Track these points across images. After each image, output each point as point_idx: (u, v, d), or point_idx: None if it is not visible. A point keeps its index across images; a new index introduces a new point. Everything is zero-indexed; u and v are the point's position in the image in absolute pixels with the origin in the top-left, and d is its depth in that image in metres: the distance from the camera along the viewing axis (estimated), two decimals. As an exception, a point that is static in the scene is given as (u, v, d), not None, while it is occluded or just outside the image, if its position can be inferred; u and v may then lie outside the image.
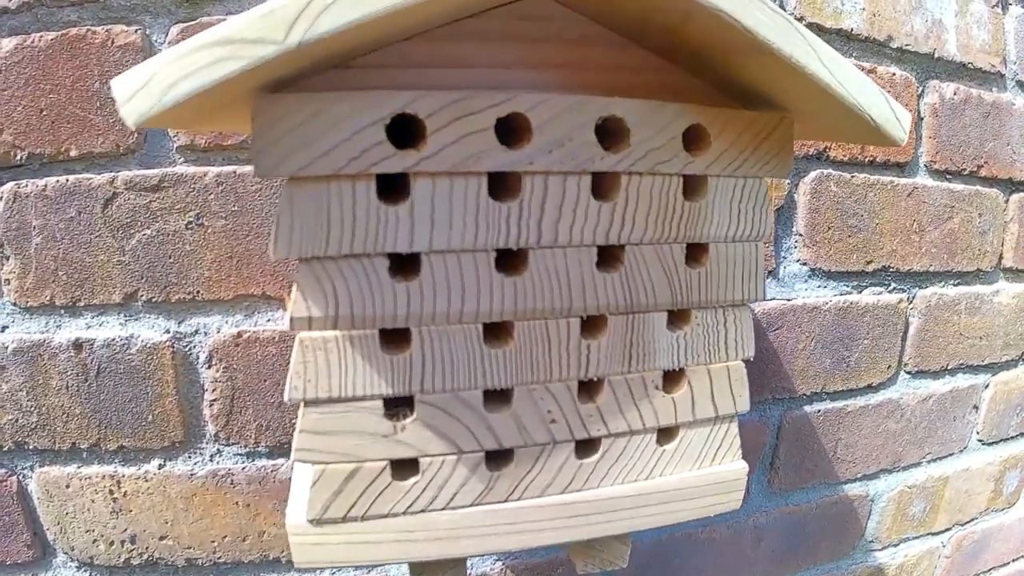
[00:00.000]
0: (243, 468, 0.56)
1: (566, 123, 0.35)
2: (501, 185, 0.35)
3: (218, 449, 0.56)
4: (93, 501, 0.56)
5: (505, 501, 0.39)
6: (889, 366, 0.74)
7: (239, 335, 0.54)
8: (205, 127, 0.46)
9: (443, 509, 0.38)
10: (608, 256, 0.38)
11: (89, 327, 0.54)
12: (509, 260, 0.36)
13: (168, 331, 0.54)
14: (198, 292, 0.53)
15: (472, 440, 0.37)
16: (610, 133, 0.36)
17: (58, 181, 0.53)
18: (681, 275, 0.39)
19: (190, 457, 0.56)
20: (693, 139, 0.38)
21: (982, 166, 0.76)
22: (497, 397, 0.38)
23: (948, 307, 0.76)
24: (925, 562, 0.83)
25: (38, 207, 0.54)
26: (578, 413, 0.39)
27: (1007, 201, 0.78)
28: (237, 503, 0.57)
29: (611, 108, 0.36)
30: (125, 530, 0.56)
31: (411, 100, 0.33)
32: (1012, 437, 0.86)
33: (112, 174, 0.53)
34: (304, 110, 0.32)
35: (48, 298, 0.54)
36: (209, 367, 0.54)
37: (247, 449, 0.56)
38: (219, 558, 0.57)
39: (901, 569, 0.81)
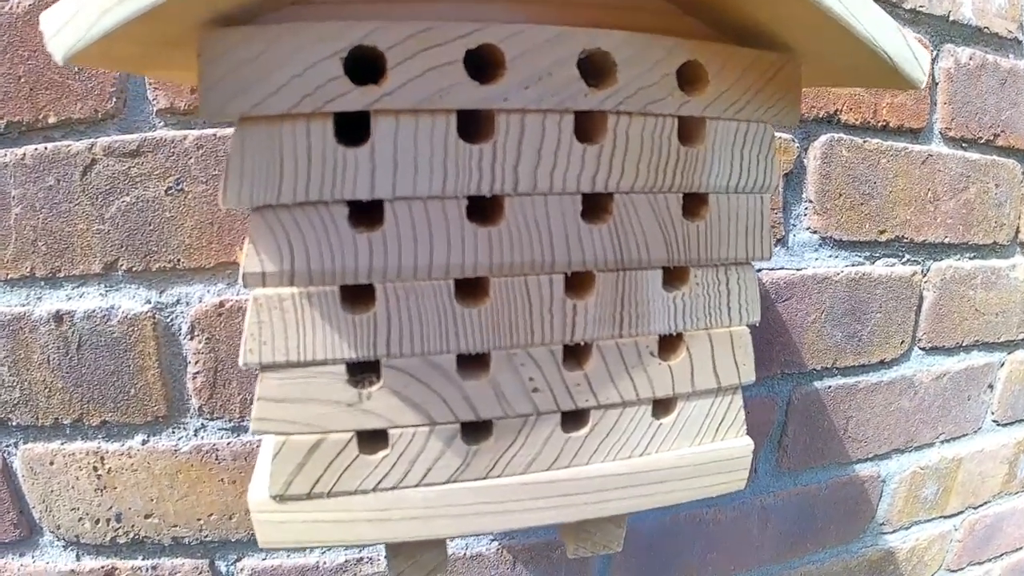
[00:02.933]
0: (228, 443, 0.52)
1: (545, 56, 0.30)
2: (473, 125, 0.30)
3: (202, 423, 0.51)
4: (77, 478, 0.52)
5: (485, 478, 0.34)
6: (902, 341, 0.68)
7: (221, 304, 0.50)
8: (160, 71, 0.42)
9: (416, 486, 0.33)
10: (595, 206, 0.33)
11: (70, 298, 0.50)
12: (483, 209, 0.31)
13: (149, 301, 0.49)
14: (179, 260, 0.49)
15: (445, 410, 0.32)
16: (595, 69, 0.31)
17: (36, 149, 0.49)
18: (677, 229, 0.34)
19: (174, 432, 0.51)
20: (689, 77, 0.33)
21: (999, 135, 0.69)
22: (472, 362, 0.33)
23: (964, 281, 0.70)
24: (936, 546, 0.77)
25: (17, 176, 0.49)
26: (563, 382, 0.33)
27: (1025, 172, 0.72)
28: (223, 479, 0.52)
29: (596, 41, 0.30)
30: (110, 508, 0.52)
31: (370, 31, 0.28)
32: (1028, 418, 0.79)
33: (91, 140, 0.49)
34: (253, 43, 0.27)
35: (28, 270, 0.50)
36: (191, 338, 0.50)
37: (232, 423, 0.51)
38: (206, 536, 0.53)
39: (912, 553, 0.75)
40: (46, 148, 0.49)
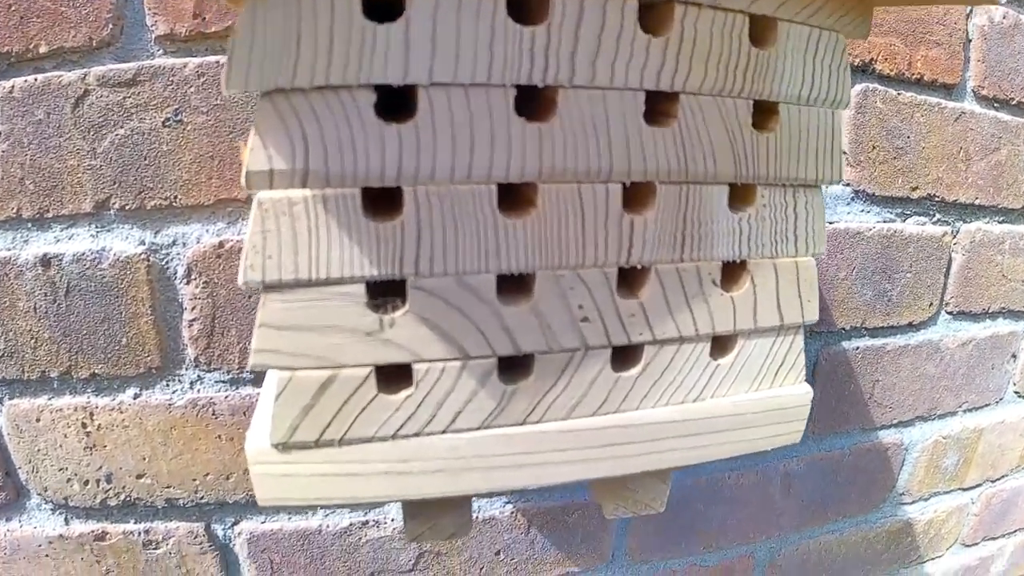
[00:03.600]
0: (226, 397, 0.46)
1: (607, -77, 0.24)
2: (525, 5, 0.24)
3: (198, 376, 0.45)
4: (65, 436, 0.46)
5: (522, 424, 0.28)
6: (931, 304, 0.62)
7: (220, 245, 0.43)
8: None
9: (443, 432, 0.27)
10: (659, 107, 0.27)
11: (58, 240, 0.44)
12: (533, 102, 0.25)
13: (143, 242, 0.43)
14: (175, 197, 0.43)
15: (481, 342, 0.26)
16: (663, -55, 0.25)
17: (26, 81, 0.43)
18: (746, 139, 0.28)
19: (168, 385, 0.45)
20: (766, -38, 0.27)
21: None
22: (514, 285, 0.27)
23: (992, 245, 0.65)
24: (954, 519, 0.72)
25: (5, 111, 0.43)
26: (616, 311, 0.28)
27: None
28: (220, 436, 0.46)
29: (665, -90, 0.25)
30: (100, 468, 0.46)
31: None
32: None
33: (84, 70, 0.42)
34: None
35: (15, 210, 0.43)
36: (188, 282, 0.44)
37: (230, 375, 0.45)
38: (202, 498, 0.47)
39: (930, 525, 0.70)
40: (36, 80, 0.42)
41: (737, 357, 0.30)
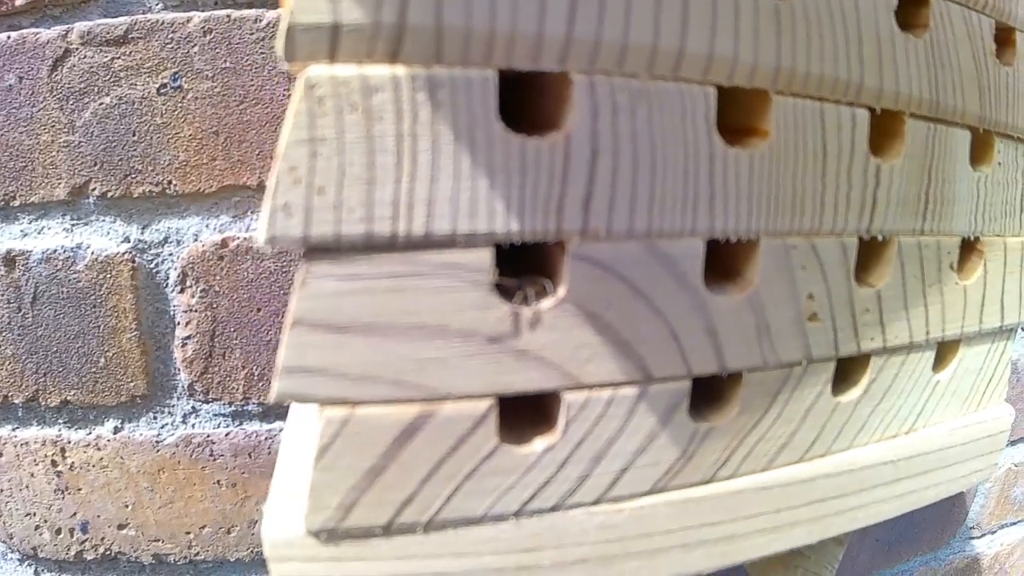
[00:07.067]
0: (227, 434, 0.29)
1: None
2: None
3: (193, 407, 0.29)
4: (32, 475, 0.30)
5: (709, 482, 0.14)
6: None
7: (223, 244, 0.27)
8: None
9: (595, 503, 0.13)
10: (912, 10, 0.14)
11: (25, 235, 0.28)
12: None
13: (127, 239, 0.27)
14: (170, 182, 0.27)
15: (674, 353, 0.12)
16: None
17: (-3, 41, 0.27)
18: (990, 70, 0.16)
19: (155, 418, 0.28)
20: None
21: None
22: (721, 262, 0.13)
23: None
24: (1019, 551, 0.58)
25: (-33, 79, 0.27)
26: (851, 303, 0.14)
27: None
28: (219, 482, 0.29)
29: None
30: (74, 515, 0.30)
31: None
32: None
33: (66, 27, 0.27)
34: None
35: (-28, 200, 0.27)
36: (182, 290, 0.28)
37: (232, 407, 0.29)
38: (196, 554, 0.30)
39: (995, 560, 0.56)
40: (9, 38, 0.27)
41: (956, 371, 0.17)
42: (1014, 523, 0.53)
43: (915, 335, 0.16)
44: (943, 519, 0.49)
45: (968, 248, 0.17)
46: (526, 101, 0.11)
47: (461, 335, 0.11)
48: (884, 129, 0.14)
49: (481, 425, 0.12)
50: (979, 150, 0.16)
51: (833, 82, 0.12)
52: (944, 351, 0.17)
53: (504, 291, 0.11)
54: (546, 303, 0.11)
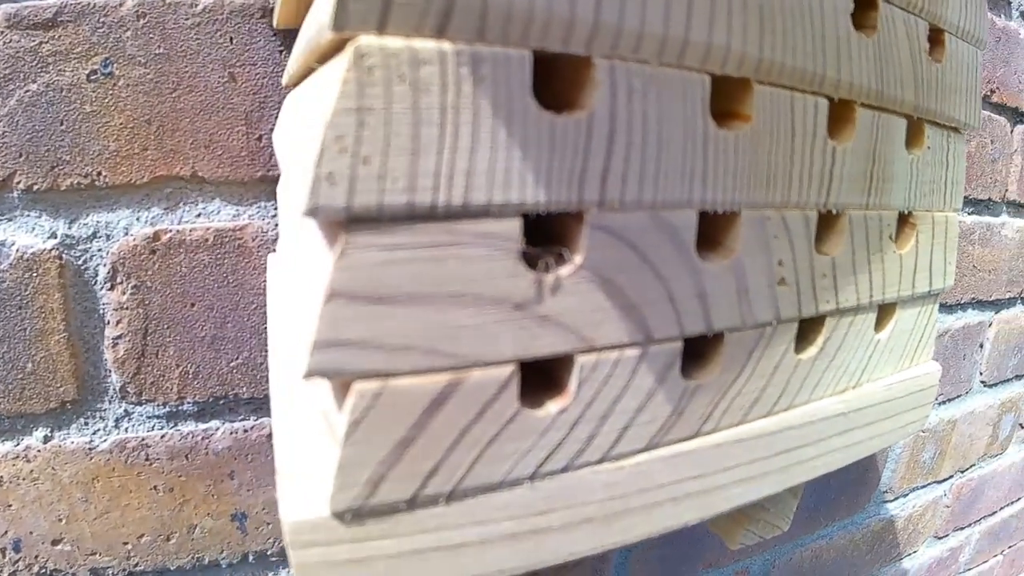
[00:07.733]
0: (163, 436, 0.27)
1: None
2: None
3: (126, 410, 0.27)
4: (-38, 487, 0.27)
5: (695, 436, 0.15)
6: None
7: (155, 237, 0.26)
8: None
9: (600, 462, 0.14)
10: (864, 14, 0.16)
11: (-54, 230, 0.25)
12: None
13: (55, 234, 0.26)
14: (99, 174, 0.26)
15: (669, 316, 0.14)
16: None
17: (-93, 22, 0.24)
18: (924, 66, 0.18)
19: (87, 424, 0.27)
20: None
21: (994, 91, 0.56)
22: (710, 229, 0.14)
23: (964, 236, 0.56)
24: (929, 513, 0.63)
25: None
26: (812, 270, 0.16)
27: (1012, 132, 0.60)
28: (156, 488, 0.27)
29: None
30: (5, 533, 0.27)
31: None
32: (1009, 379, 0.68)
33: (-11, 10, 0.25)
34: None
35: None
36: (112, 287, 0.26)
37: (167, 408, 0.27)
38: (136, 565, 0.28)
39: (909, 521, 0.61)
40: None
41: (893, 331, 0.20)
42: (923, 486, 0.59)
43: (861, 298, 0.18)
44: (858, 485, 0.54)
45: (903, 221, 0.19)
46: (537, 84, 0.12)
47: (494, 302, 0.12)
48: (839, 116, 0.16)
49: (505, 390, 0.12)
50: (913, 135, 0.19)
51: (802, 73, 0.14)
52: (883, 313, 0.20)
53: (528, 259, 0.12)
54: (564, 270, 0.12)
